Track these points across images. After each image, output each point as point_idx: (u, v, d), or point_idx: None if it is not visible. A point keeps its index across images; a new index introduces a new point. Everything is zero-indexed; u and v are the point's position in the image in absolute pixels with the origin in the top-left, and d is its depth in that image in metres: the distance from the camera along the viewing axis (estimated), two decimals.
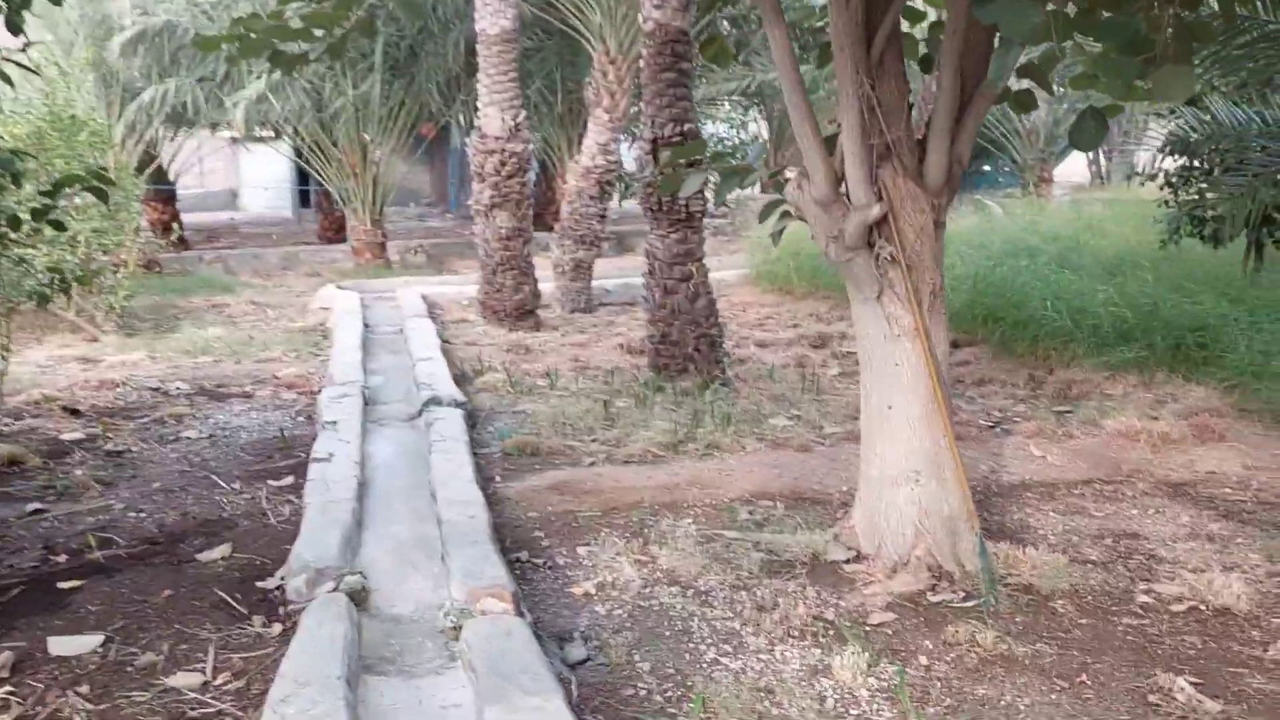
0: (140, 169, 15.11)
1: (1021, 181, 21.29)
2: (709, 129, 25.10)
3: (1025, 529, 5.28)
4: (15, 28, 4.50)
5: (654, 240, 8.66)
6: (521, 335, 10.95)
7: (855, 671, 3.75)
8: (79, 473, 6.21)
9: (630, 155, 14.94)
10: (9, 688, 3.69)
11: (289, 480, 6.14)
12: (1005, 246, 11.67)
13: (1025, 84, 5.05)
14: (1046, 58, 4.83)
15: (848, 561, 4.80)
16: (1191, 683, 3.66)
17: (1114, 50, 3.73)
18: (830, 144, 4.68)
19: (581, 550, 5.05)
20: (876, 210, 4.50)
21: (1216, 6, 4.97)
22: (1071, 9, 3.99)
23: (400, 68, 16.15)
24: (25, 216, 5.15)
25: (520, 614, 4.15)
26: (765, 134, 24.27)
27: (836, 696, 3.66)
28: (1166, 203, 10.98)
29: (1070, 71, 7.51)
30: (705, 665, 3.90)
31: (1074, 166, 25.67)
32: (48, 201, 5.10)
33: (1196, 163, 10.43)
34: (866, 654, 3.87)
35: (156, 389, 8.50)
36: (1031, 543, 4.92)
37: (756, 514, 5.50)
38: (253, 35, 4.77)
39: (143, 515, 5.57)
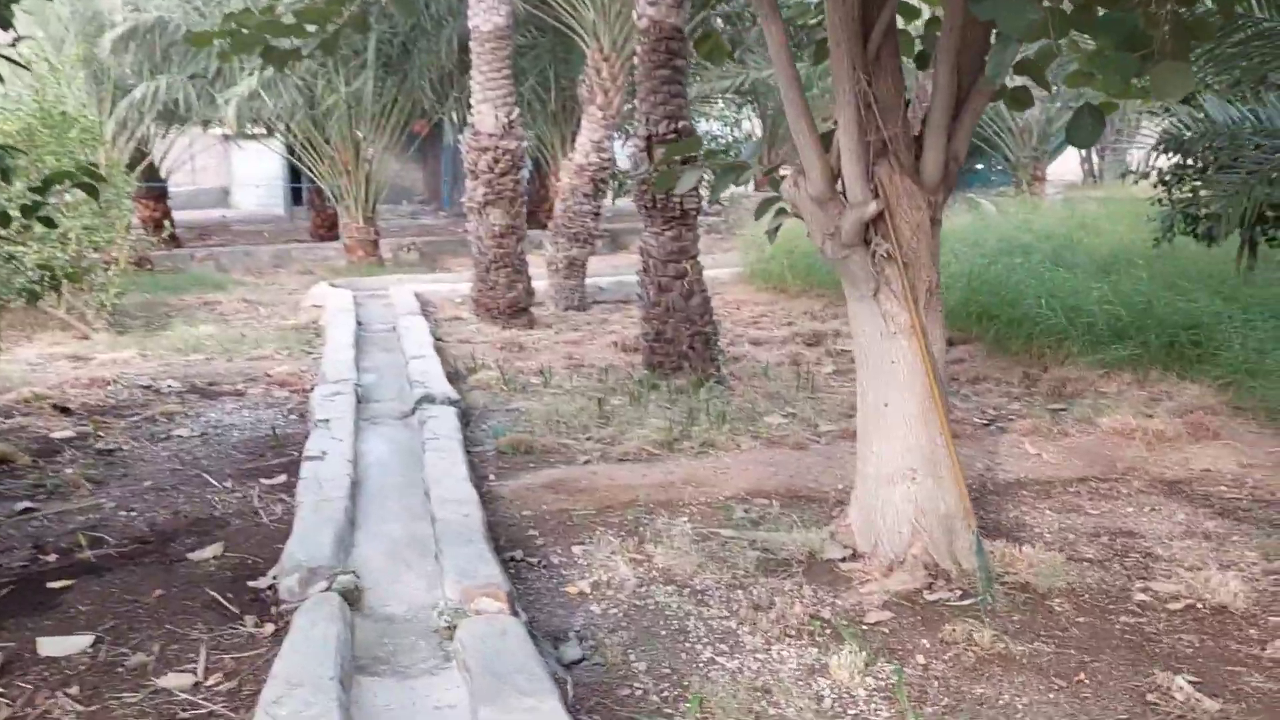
0: (132, 166, 15.09)
1: (1014, 180, 21.28)
2: (703, 127, 25.08)
3: (1021, 527, 5.26)
4: (4, 22, 4.47)
5: (648, 238, 8.63)
6: (515, 333, 10.92)
7: (852, 671, 3.73)
8: (69, 471, 6.17)
9: (624, 153, 14.91)
10: None
11: (281, 479, 6.10)
12: (999, 244, 11.68)
13: (1020, 81, 5.03)
14: (1043, 54, 4.81)
15: (844, 560, 4.78)
16: (1190, 681, 3.65)
17: (1111, 47, 3.71)
18: (826, 141, 4.66)
19: (576, 549, 5.02)
20: (873, 207, 4.47)
21: (1212, 3, 4.94)
22: (1068, 5, 3.97)
23: (393, 64, 16.09)
24: (15, 214, 5.10)
25: (515, 613, 4.12)
26: (759, 132, 24.26)
27: (834, 696, 3.63)
28: (1160, 201, 10.98)
29: (1064, 69, 7.48)
30: (702, 665, 3.88)
31: (1066, 165, 25.66)
32: (38, 198, 5.06)
33: (1190, 161, 10.44)
34: (863, 653, 3.85)
35: (148, 387, 8.46)
36: (1028, 541, 4.90)
37: (752, 512, 5.47)
38: (245, 31, 4.75)
39: (134, 514, 5.54)
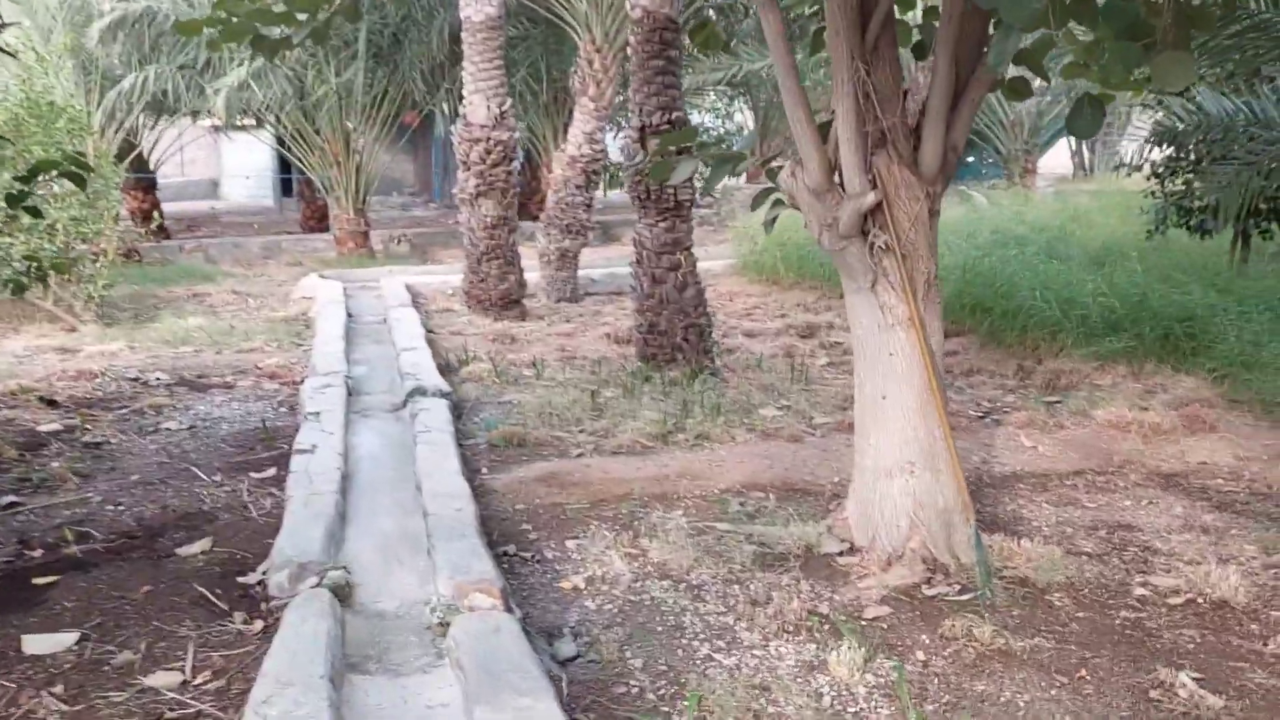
0: (120, 157, 14.96)
1: (1006, 173, 21.25)
2: (694, 119, 24.99)
3: (1019, 521, 5.22)
4: None
5: (642, 229, 8.57)
6: (507, 325, 10.86)
7: (852, 667, 3.68)
8: (56, 465, 6.10)
9: (615, 145, 14.85)
10: None
11: (271, 472, 6.04)
12: (993, 237, 11.66)
13: (1017, 71, 4.98)
14: (1040, 44, 4.76)
15: (841, 554, 4.73)
16: (1193, 678, 3.60)
17: (1112, 36, 3.65)
18: (824, 131, 4.61)
19: (570, 543, 4.97)
20: (871, 198, 4.42)
21: None
22: None
23: (384, 55, 16.00)
24: (1, 204, 5.02)
25: (509, 609, 4.06)
26: (750, 124, 24.19)
27: (833, 694, 3.58)
28: (1153, 193, 10.96)
29: (1057, 61, 7.43)
30: (699, 662, 3.82)
31: (1057, 158, 25.66)
32: (24, 188, 4.98)
33: (1183, 154, 10.43)
34: (862, 649, 3.80)
35: (136, 379, 8.38)
36: (1026, 535, 4.87)
37: (748, 505, 5.42)
38: (235, 19, 4.68)
39: (121, 508, 5.47)
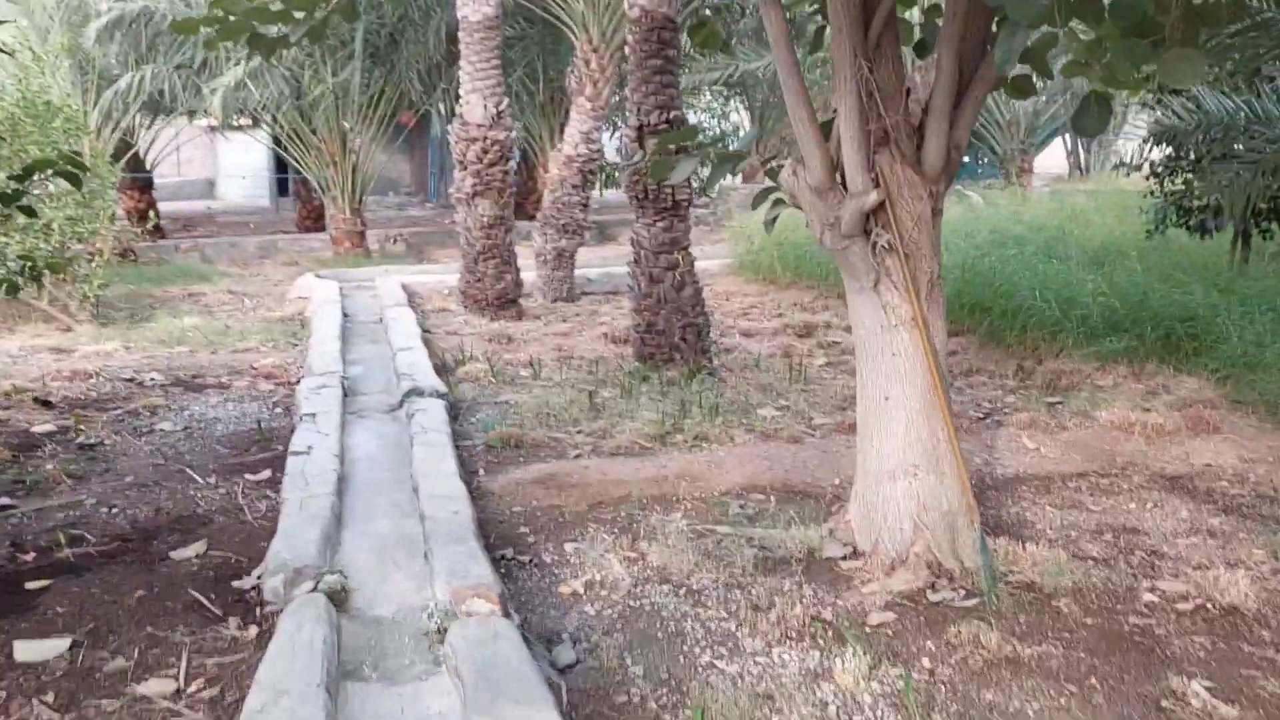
0: (116, 157, 14.91)
1: (1003, 172, 21.22)
2: (690, 118, 24.93)
3: (1023, 524, 5.16)
4: None
5: (640, 229, 8.52)
6: (503, 324, 10.80)
7: (857, 675, 3.62)
8: (50, 466, 6.03)
9: (612, 144, 14.79)
10: None
11: (266, 474, 5.97)
12: (990, 236, 11.62)
13: (1018, 69, 4.92)
14: (1042, 42, 4.70)
15: (844, 558, 4.67)
16: (1205, 686, 3.54)
17: (1118, 33, 3.60)
18: (825, 130, 4.55)
19: (569, 547, 4.91)
20: (874, 197, 4.37)
21: None
22: None
23: (380, 55, 15.93)
24: None
25: (507, 615, 4.00)
26: (747, 124, 24.12)
27: (839, 703, 3.52)
28: (1152, 193, 10.92)
29: (1055, 59, 7.38)
30: (701, 669, 3.76)
31: (1053, 157, 25.63)
32: (18, 187, 4.93)
33: (1183, 153, 10.39)
34: (867, 657, 3.74)
35: (131, 380, 8.31)
36: (1031, 538, 4.80)
37: (748, 508, 5.37)
38: (232, 18, 4.61)
39: (115, 511, 5.40)
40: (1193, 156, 10.23)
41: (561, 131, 14.29)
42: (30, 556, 4.79)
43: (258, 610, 4.22)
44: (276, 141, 17.64)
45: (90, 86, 15.47)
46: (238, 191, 26.03)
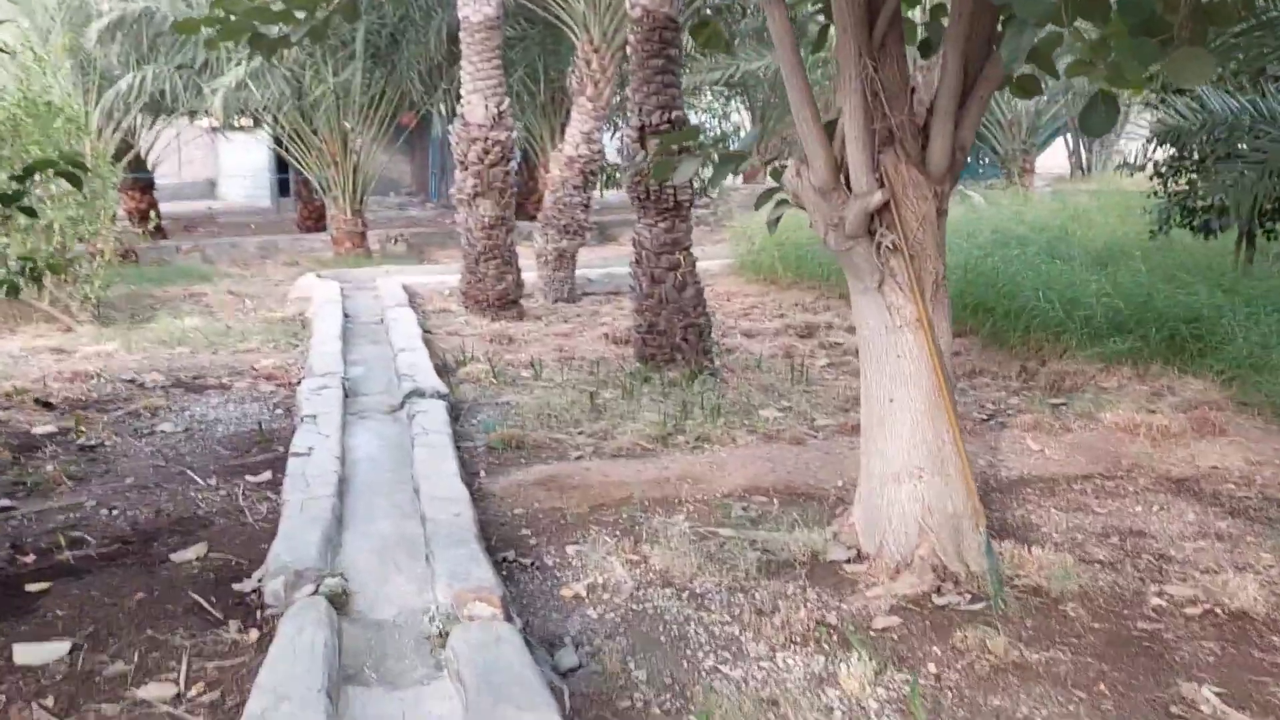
0: (118, 157, 14.87)
1: (1005, 172, 21.18)
2: (691, 119, 24.88)
3: (1028, 527, 5.13)
4: None
5: (642, 229, 8.49)
6: (504, 325, 10.77)
7: (862, 681, 3.58)
8: (50, 468, 6.00)
9: (612, 145, 14.77)
10: None
11: (267, 476, 5.94)
12: (993, 237, 11.57)
13: (1023, 69, 4.89)
14: (1046, 41, 4.67)
15: (848, 561, 4.64)
16: (1215, 692, 3.51)
17: (1126, 32, 3.57)
18: (830, 129, 4.52)
19: (570, 549, 4.88)
20: (878, 197, 4.34)
21: None
22: None
23: (381, 55, 15.90)
24: None
25: (509, 619, 3.97)
26: (748, 124, 24.09)
27: (844, 708, 3.48)
28: (1156, 193, 10.89)
29: (1059, 59, 7.35)
30: (704, 674, 3.73)
31: (1054, 158, 25.59)
32: (19, 187, 4.91)
33: (1187, 153, 10.36)
34: (873, 662, 3.70)
35: (131, 381, 8.28)
36: (1036, 541, 4.77)
37: (751, 510, 5.34)
38: (233, 17, 4.59)
39: (115, 513, 5.37)
40: (1197, 156, 10.20)
41: (562, 132, 14.26)
42: (30, 558, 4.76)
43: (258, 613, 4.19)
44: (277, 142, 17.61)
45: (91, 87, 15.43)
46: (239, 192, 26.02)
